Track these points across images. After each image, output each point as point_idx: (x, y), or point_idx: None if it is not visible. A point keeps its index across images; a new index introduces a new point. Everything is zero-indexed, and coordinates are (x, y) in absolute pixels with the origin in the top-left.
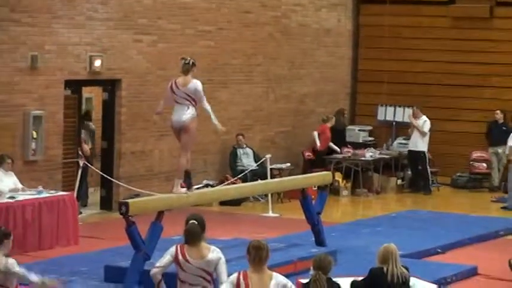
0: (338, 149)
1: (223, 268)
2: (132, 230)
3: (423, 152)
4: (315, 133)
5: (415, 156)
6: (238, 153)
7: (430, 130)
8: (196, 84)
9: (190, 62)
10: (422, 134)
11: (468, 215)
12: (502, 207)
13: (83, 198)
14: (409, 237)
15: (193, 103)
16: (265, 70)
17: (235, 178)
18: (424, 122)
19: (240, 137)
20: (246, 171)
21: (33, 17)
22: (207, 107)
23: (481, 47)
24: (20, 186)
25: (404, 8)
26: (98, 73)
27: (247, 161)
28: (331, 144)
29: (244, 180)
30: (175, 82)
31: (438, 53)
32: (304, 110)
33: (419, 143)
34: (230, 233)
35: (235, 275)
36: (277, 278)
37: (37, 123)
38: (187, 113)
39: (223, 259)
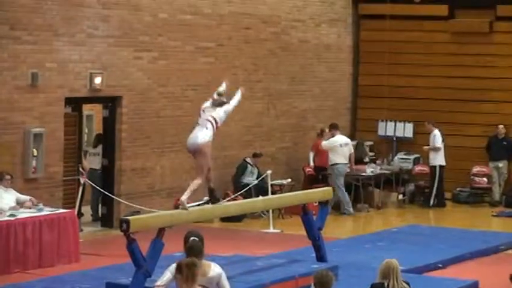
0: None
1: (226, 283)
2: (133, 247)
3: (433, 167)
4: (311, 154)
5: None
6: (248, 168)
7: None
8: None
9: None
10: (435, 149)
11: (469, 229)
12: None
13: (94, 214)
14: (410, 252)
15: (215, 125)
16: (265, 86)
17: (236, 195)
18: (434, 137)
19: (258, 158)
20: (247, 188)
21: (33, 35)
22: (234, 102)
23: (481, 62)
24: (26, 197)
25: (404, 23)
26: (98, 90)
27: (251, 179)
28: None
29: (247, 196)
30: (203, 109)
31: (438, 67)
32: (305, 125)
33: (430, 158)
34: (231, 250)
35: None
36: None
37: (37, 140)
38: (203, 135)
39: (224, 274)
